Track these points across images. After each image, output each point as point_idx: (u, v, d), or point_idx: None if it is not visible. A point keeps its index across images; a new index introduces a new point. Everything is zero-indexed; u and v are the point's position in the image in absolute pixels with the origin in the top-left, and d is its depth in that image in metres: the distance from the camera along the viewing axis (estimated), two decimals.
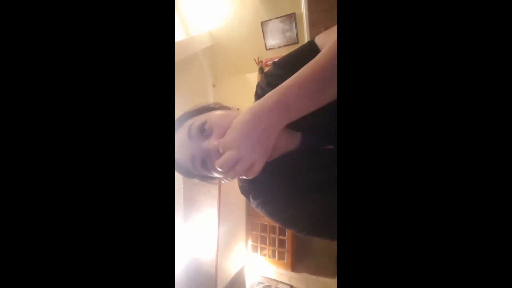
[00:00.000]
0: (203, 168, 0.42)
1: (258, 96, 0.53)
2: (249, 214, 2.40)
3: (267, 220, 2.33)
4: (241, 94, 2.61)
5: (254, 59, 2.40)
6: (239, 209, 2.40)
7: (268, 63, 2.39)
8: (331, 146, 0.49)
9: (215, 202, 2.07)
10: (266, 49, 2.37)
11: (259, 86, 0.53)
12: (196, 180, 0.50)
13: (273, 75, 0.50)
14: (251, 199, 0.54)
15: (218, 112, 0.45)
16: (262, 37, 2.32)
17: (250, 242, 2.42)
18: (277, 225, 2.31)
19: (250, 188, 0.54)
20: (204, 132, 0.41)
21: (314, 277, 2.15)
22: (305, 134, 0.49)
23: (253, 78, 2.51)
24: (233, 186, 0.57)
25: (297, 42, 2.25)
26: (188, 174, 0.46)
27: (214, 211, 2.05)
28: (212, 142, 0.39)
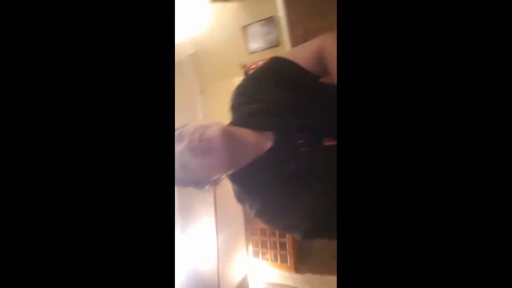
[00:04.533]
0: (184, 172, 0.46)
1: (233, 108, 0.57)
2: (247, 219, 2.36)
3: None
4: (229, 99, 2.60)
5: (241, 64, 2.41)
6: (236, 216, 2.36)
7: (252, 67, 2.40)
8: (303, 139, 0.50)
9: (212, 211, 2.03)
10: (249, 53, 2.39)
11: (233, 94, 0.58)
12: (190, 190, 0.52)
13: (245, 86, 0.56)
14: (248, 208, 0.54)
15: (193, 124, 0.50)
16: (244, 42, 2.34)
17: (251, 248, 2.37)
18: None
19: (246, 195, 0.54)
20: (180, 140, 0.46)
21: (318, 277, 2.12)
22: (276, 132, 0.51)
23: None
24: (229, 192, 0.58)
25: (278, 45, 2.28)
26: (180, 182, 0.49)
27: (211, 220, 2.01)
28: (183, 143, 0.45)
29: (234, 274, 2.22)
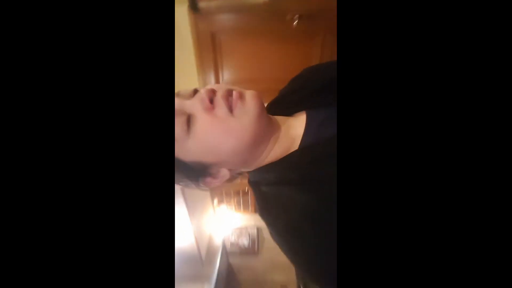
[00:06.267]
0: (186, 130, 0.33)
1: None
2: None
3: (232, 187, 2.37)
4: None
5: None
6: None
7: None
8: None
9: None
10: None
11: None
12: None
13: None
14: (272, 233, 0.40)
15: None
16: None
17: (215, 201, 2.55)
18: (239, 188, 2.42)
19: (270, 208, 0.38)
20: (195, 93, 0.36)
21: None
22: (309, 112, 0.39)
23: (181, 15, 1.48)
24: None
25: None
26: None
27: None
28: (199, 95, 0.34)
29: (208, 233, 2.45)
